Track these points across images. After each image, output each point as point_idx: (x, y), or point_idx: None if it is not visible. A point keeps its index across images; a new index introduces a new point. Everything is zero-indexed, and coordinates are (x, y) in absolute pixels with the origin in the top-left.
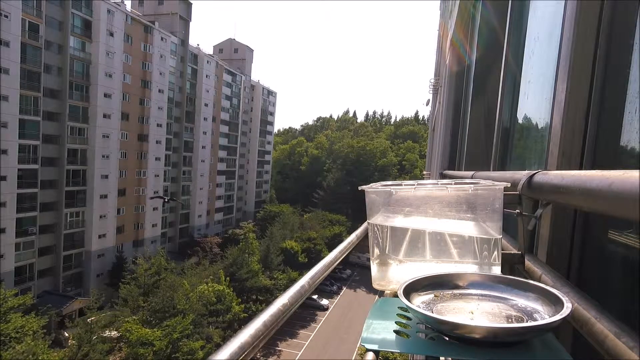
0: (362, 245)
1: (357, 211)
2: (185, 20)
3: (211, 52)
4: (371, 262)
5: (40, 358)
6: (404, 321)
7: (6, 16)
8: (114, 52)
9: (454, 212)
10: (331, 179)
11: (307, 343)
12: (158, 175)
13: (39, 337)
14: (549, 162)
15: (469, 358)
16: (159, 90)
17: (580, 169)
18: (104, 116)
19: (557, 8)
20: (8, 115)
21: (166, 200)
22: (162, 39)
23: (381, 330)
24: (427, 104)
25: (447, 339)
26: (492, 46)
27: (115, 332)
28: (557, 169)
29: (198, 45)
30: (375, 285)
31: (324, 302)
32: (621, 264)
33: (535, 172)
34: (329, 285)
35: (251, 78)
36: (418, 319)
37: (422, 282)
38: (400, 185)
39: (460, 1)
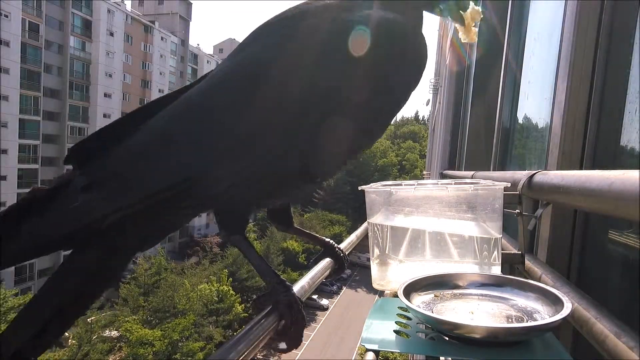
0: (362, 245)
1: (357, 211)
2: (185, 20)
3: (211, 52)
4: (371, 262)
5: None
6: (404, 321)
7: (6, 16)
8: (114, 51)
9: (454, 212)
10: (331, 179)
11: (307, 343)
12: None
13: None
14: (549, 162)
15: (469, 358)
16: (159, 90)
17: (580, 169)
18: (104, 116)
19: (557, 8)
20: (8, 115)
21: None
22: (162, 38)
23: (381, 330)
24: (427, 104)
25: (447, 339)
26: (492, 46)
27: (115, 332)
28: (557, 169)
29: (198, 45)
30: (375, 285)
31: (324, 302)
32: (621, 264)
33: (535, 172)
34: (329, 285)
35: None
36: (418, 319)
37: (422, 282)
38: (400, 185)
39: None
